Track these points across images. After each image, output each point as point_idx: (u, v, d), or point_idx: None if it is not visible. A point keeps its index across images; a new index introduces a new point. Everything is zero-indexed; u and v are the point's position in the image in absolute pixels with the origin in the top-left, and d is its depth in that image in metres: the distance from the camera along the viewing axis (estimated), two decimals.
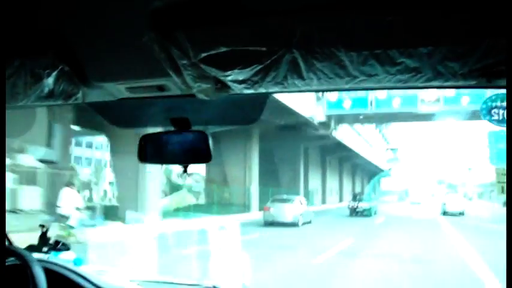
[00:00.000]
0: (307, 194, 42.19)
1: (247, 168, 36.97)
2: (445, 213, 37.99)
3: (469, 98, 33.03)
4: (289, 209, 26.94)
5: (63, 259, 2.95)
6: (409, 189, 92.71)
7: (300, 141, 44.59)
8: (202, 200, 39.53)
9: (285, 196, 30.94)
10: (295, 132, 40.18)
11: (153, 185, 25.37)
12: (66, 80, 1.89)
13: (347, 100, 36.96)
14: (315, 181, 53.10)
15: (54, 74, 1.84)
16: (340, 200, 63.98)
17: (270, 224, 25.98)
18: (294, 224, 25.97)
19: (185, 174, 2.27)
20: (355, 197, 42.31)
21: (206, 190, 40.02)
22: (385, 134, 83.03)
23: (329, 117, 40.04)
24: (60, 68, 1.83)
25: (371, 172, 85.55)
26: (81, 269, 2.82)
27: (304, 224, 27.07)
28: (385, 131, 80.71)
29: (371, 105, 36.71)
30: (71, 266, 2.80)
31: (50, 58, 1.80)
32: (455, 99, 33.67)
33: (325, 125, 40.40)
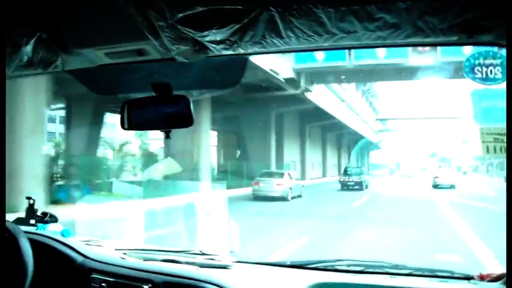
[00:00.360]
0: (280, 168, 37.90)
1: (195, 140, 30.24)
2: (436, 186, 38.02)
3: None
4: (278, 183, 26.88)
5: (50, 231, 2.96)
6: (401, 163, 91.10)
7: (270, 106, 39.21)
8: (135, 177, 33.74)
9: (274, 170, 32.01)
10: (262, 94, 35.10)
11: None
12: (45, 47, 1.88)
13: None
14: (291, 153, 47.76)
15: (33, 41, 1.83)
16: (324, 174, 59.45)
17: (259, 198, 25.88)
18: (283, 198, 25.96)
19: (168, 139, 2.26)
20: (346, 171, 41.40)
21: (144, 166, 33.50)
22: (373, 103, 76.43)
23: (298, 72, 33.37)
24: (38, 35, 1.82)
25: (359, 144, 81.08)
26: (68, 240, 2.83)
27: (293, 198, 26.93)
28: (373, 101, 74.62)
29: (350, 56, 30.45)
30: (58, 237, 2.82)
31: (28, 26, 1.79)
32: (455, 50, 25.12)
33: (294, 82, 33.71)
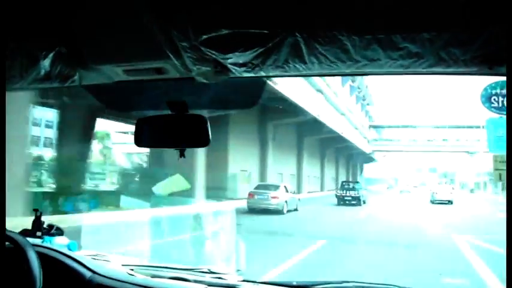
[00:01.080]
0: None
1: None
2: (433, 201, 38.93)
3: None
4: (273, 195, 26.80)
5: (57, 244, 2.94)
6: (399, 178, 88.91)
7: (266, 117, 37.92)
8: None
9: (269, 183, 31.52)
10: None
11: None
12: (63, 62, 1.88)
13: None
14: (290, 166, 47.74)
15: (51, 55, 1.83)
16: (321, 188, 58.55)
17: (254, 211, 25.65)
18: (278, 211, 25.90)
19: (182, 157, 2.25)
20: (343, 185, 40.31)
21: None
22: (368, 109, 73.60)
23: None
24: (57, 49, 1.82)
25: (351, 156, 76.73)
26: (75, 254, 2.81)
27: (289, 211, 26.98)
28: (369, 108, 72.55)
29: None
30: (65, 250, 2.80)
31: (47, 40, 1.79)
32: None
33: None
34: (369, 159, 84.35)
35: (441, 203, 37.52)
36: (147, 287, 2.55)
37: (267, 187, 28.40)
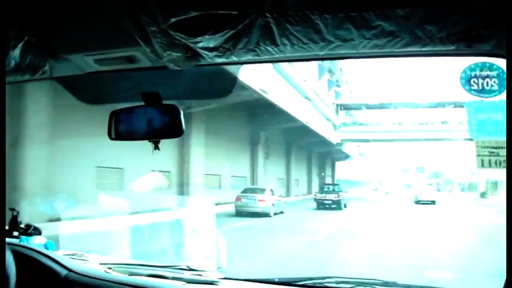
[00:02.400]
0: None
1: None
2: (417, 202, 39.04)
3: None
4: (260, 199, 26.97)
5: (34, 243, 2.91)
6: (383, 180, 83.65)
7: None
8: None
9: (256, 186, 31.62)
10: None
11: None
12: (33, 52, 1.84)
13: None
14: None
15: (20, 45, 1.79)
16: (309, 191, 53.34)
17: (242, 214, 25.90)
18: (265, 214, 26.00)
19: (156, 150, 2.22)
20: (322, 188, 37.96)
21: None
22: (340, 92, 56.08)
23: None
24: (26, 39, 1.78)
25: (323, 153, 62.23)
26: (52, 253, 2.78)
27: (276, 214, 27.07)
28: (340, 90, 55.46)
29: None
30: (42, 249, 2.76)
31: (16, 29, 1.76)
32: None
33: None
34: (340, 154, 66.14)
35: (425, 203, 37.89)
36: (124, 284, 2.51)
37: (254, 190, 28.49)
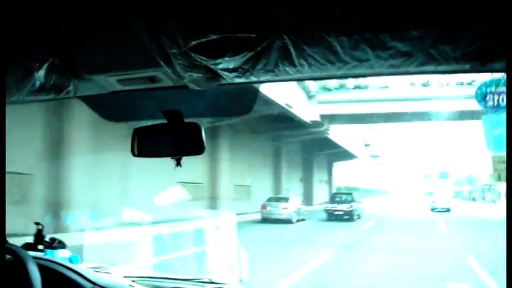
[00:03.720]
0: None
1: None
2: (433, 209, 39.98)
3: None
4: (284, 206, 28.96)
5: (59, 256, 2.95)
6: (401, 188, 77.49)
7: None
8: None
9: (281, 195, 33.06)
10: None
11: None
12: (57, 73, 1.89)
13: None
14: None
15: (45, 67, 1.84)
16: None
17: (267, 220, 27.78)
18: (288, 221, 27.76)
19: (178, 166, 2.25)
20: (333, 198, 35.47)
21: None
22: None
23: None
24: (50, 60, 1.83)
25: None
26: (76, 266, 2.82)
27: (298, 221, 28.97)
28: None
29: None
30: (66, 263, 2.80)
31: (41, 51, 1.80)
32: None
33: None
34: (332, 148, 49.54)
35: (440, 211, 38.61)
36: None
37: (278, 199, 30.36)
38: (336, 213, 31.61)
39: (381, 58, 1.59)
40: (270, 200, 30.50)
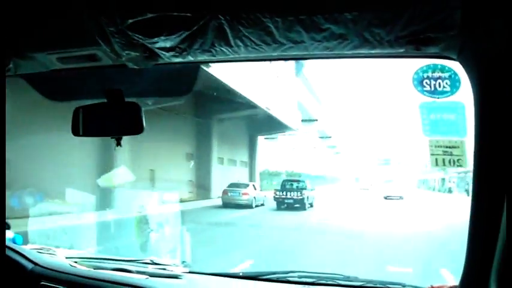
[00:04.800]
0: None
1: None
2: (386, 197, 39.70)
3: None
4: (244, 192, 29.42)
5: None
6: (359, 177, 71.67)
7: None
8: None
9: (239, 182, 32.84)
10: None
11: None
12: None
13: None
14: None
15: None
16: None
17: (228, 205, 28.07)
18: (248, 206, 28.22)
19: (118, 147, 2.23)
20: (283, 185, 31.88)
21: None
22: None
23: None
24: None
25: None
26: (20, 247, 2.79)
27: (257, 206, 29.34)
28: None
29: None
30: (9, 244, 2.77)
31: None
32: None
33: None
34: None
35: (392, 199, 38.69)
36: (89, 278, 2.53)
37: (238, 185, 30.55)
38: (286, 201, 28.68)
39: (315, 40, 1.60)
40: (230, 186, 30.72)
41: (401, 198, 38.63)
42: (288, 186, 31.22)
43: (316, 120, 51.98)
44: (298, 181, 33.95)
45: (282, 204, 28.39)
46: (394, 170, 67.13)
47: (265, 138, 47.79)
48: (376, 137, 62.29)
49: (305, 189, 30.43)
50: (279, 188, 31.15)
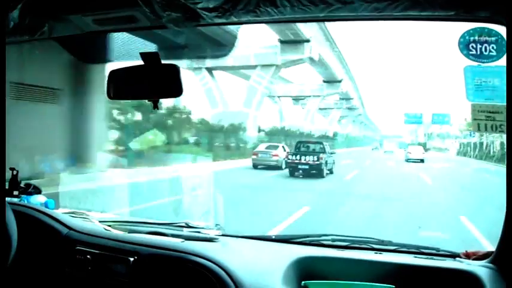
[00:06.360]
0: None
1: None
2: (407, 160, 39.90)
3: None
4: (274, 154, 29.50)
5: (34, 202, 2.90)
6: (384, 141, 68.09)
7: None
8: None
9: (270, 143, 33.12)
10: None
11: None
12: (32, 13, 1.80)
13: None
14: None
15: (19, 6, 1.75)
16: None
17: (258, 167, 28.69)
18: (278, 167, 28.15)
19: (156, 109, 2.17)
20: (297, 147, 28.26)
21: None
22: None
23: None
24: (25, 0, 1.74)
25: None
26: (53, 211, 2.78)
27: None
28: None
29: None
30: (42, 208, 2.77)
31: None
32: None
33: None
34: None
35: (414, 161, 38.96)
36: (123, 241, 2.52)
37: (268, 147, 30.96)
38: (301, 167, 24.68)
39: (365, 1, 1.53)
40: (260, 147, 31.40)
41: (422, 161, 38.84)
42: (303, 149, 27.77)
43: (341, 80, 51.88)
44: (315, 143, 30.36)
45: (295, 171, 24.67)
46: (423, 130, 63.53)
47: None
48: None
49: (323, 152, 26.50)
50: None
